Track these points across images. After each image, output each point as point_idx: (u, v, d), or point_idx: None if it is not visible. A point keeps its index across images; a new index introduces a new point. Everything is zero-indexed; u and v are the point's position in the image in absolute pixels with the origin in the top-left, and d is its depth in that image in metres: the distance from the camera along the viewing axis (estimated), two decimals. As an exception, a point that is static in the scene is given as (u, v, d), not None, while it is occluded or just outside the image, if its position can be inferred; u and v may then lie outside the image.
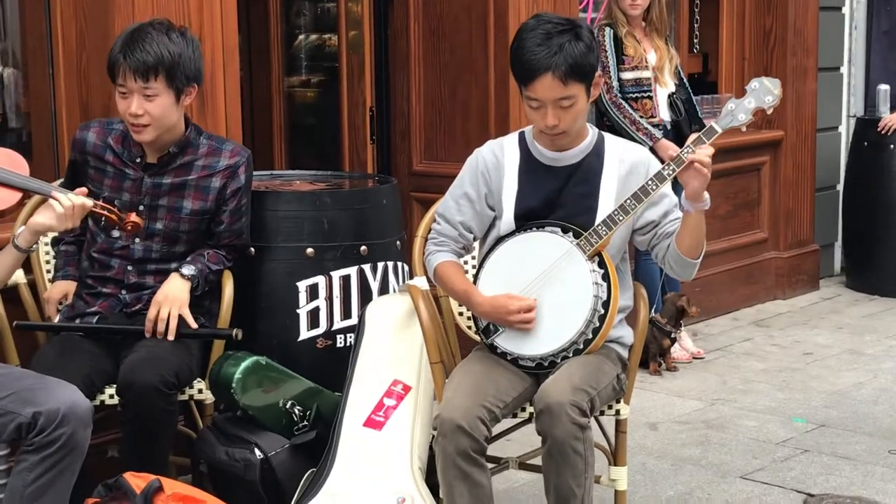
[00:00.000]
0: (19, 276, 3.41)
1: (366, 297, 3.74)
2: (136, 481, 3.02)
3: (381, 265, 3.80)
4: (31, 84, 4.03)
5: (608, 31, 5.23)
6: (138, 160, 3.44)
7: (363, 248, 3.75)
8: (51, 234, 3.47)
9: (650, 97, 5.24)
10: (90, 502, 3.05)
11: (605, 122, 5.25)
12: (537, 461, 3.40)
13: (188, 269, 3.40)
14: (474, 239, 3.33)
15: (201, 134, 3.53)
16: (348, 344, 3.69)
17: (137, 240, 3.40)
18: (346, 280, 3.72)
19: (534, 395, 3.12)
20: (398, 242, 3.91)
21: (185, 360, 3.32)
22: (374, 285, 3.78)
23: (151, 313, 3.34)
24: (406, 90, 5.49)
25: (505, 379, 3.14)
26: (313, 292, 3.69)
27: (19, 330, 3.42)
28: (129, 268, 3.43)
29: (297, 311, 3.68)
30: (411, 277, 3.65)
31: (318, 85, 6.43)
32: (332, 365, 3.65)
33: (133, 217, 3.16)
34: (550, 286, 3.13)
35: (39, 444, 2.83)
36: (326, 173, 4.34)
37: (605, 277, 3.12)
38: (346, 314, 3.72)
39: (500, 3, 5.13)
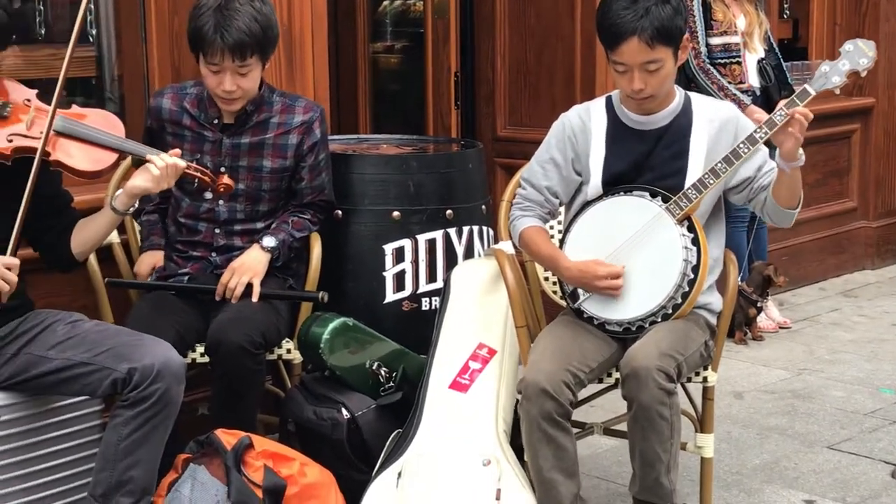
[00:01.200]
0: (113, 236, 3.48)
1: (451, 260, 3.75)
2: (227, 438, 3.07)
3: (466, 229, 3.80)
4: (124, 48, 4.08)
5: (696, -3, 5.15)
6: (215, 121, 3.48)
7: (449, 211, 3.76)
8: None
9: (739, 63, 5.15)
10: (182, 458, 3.11)
11: (692, 87, 5.18)
12: (622, 427, 3.41)
13: (269, 241, 3.44)
14: (560, 204, 3.32)
15: (274, 91, 3.56)
16: (433, 307, 3.71)
17: (221, 202, 3.45)
18: (431, 243, 3.74)
19: (620, 360, 3.11)
20: (483, 207, 3.91)
21: (272, 320, 3.36)
22: (460, 249, 3.79)
23: (224, 278, 3.38)
24: (491, 55, 5.47)
25: (591, 343, 3.13)
26: (399, 255, 3.71)
27: (112, 287, 3.48)
28: (217, 230, 3.48)
29: (384, 273, 3.70)
30: (496, 242, 3.65)
31: (401, 50, 6.43)
32: (416, 327, 3.67)
33: (225, 179, 3.20)
34: (638, 251, 3.11)
35: (134, 399, 2.89)
36: (412, 137, 4.35)
37: (695, 242, 3.09)
38: (432, 277, 3.74)
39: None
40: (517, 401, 3.19)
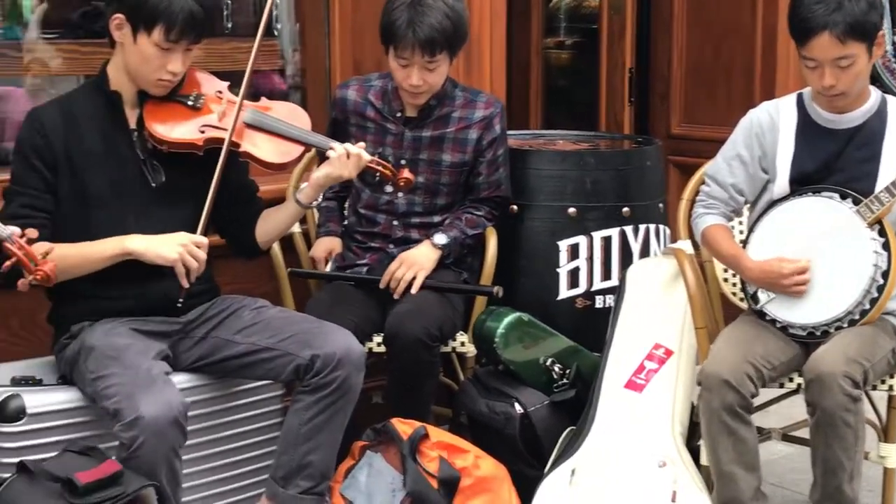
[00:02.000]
0: (294, 227, 3.55)
1: (626, 258, 3.72)
2: (403, 427, 3.11)
3: (642, 227, 3.76)
4: (308, 41, 4.17)
5: (884, -9, 4.99)
6: (398, 114, 3.52)
7: (625, 209, 3.73)
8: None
9: (927, 62, 4.98)
10: (358, 445, 3.17)
11: (876, 86, 5.01)
12: (799, 433, 3.34)
13: (440, 238, 3.46)
14: (745, 202, 3.26)
15: (456, 86, 3.59)
16: (607, 305, 3.68)
17: (401, 194, 3.49)
18: (607, 241, 3.71)
19: (802, 364, 3.03)
20: (661, 205, 3.86)
21: (448, 313, 3.39)
22: (636, 247, 3.75)
23: (392, 267, 3.42)
24: (668, 51, 5.40)
25: (773, 343, 3.07)
26: (574, 252, 3.69)
27: (294, 277, 3.56)
28: (395, 222, 3.53)
29: (558, 270, 3.69)
30: (673, 241, 3.61)
31: (573, 46, 6.41)
32: (590, 325, 3.65)
33: (406, 173, 3.23)
34: (826, 253, 3.03)
35: (316, 385, 2.95)
36: (588, 133, 4.32)
37: (886, 247, 3.00)
38: (607, 275, 3.71)
39: (770, -40, 4.97)
40: (692, 403, 3.15)
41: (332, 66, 4.09)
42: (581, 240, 3.69)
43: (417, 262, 3.43)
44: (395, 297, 3.40)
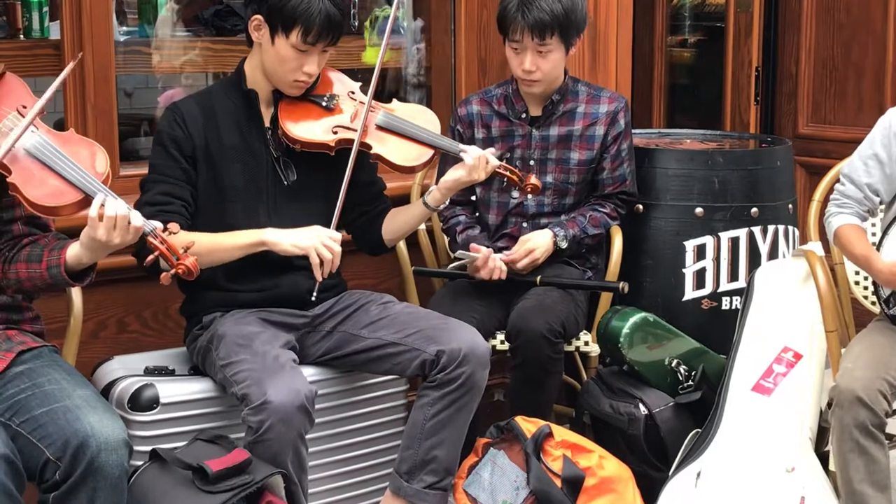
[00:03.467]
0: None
1: (754, 260, 3.66)
2: (527, 425, 3.11)
3: (771, 228, 3.70)
4: (434, 40, 4.19)
5: None
6: (524, 115, 3.52)
7: (754, 209, 3.67)
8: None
9: None
10: (482, 441, 3.17)
11: None
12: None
13: (562, 232, 3.45)
14: (880, 203, 3.18)
15: (578, 82, 3.58)
16: (734, 307, 3.63)
17: (530, 196, 3.48)
18: (734, 242, 3.65)
19: (938, 371, 2.96)
20: (790, 206, 3.79)
21: (572, 311, 3.37)
22: (764, 248, 3.69)
23: (519, 255, 3.40)
24: (795, 50, 5.30)
25: (907, 353, 2.99)
26: (700, 252, 3.65)
27: (417, 276, 3.59)
28: (525, 224, 3.53)
29: (683, 270, 3.65)
30: (803, 242, 3.54)
31: (696, 44, 6.32)
32: (715, 326, 3.60)
33: (532, 179, 3.22)
34: (965, 257, 2.95)
35: (441, 380, 2.96)
36: (715, 133, 4.27)
37: None
38: (734, 276, 3.65)
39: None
40: (820, 409, 3.09)
41: (458, 64, 4.11)
42: (708, 240, 3.64)
43: (541, 249, 3.42)
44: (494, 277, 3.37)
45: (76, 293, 2.92)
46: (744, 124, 5.41)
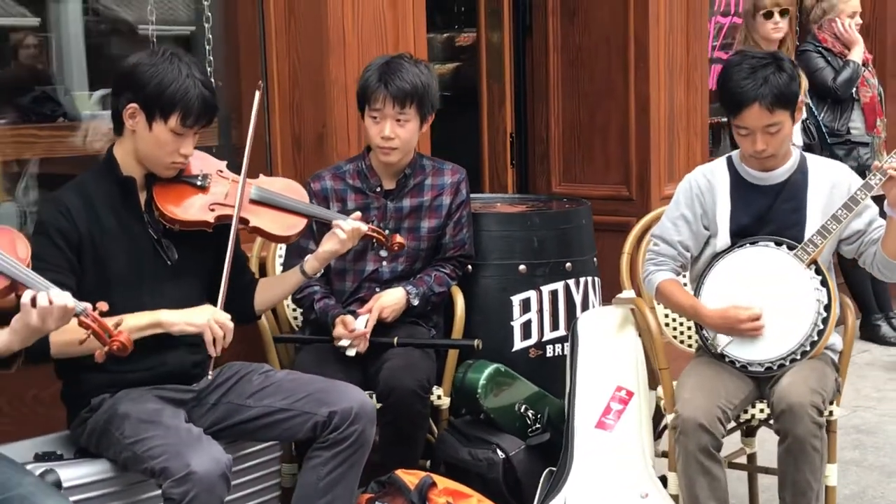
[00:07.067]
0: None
1: (570, 309, 4.03)
2: (409, 478, 3.31)
3: (582, 280, 4.09)
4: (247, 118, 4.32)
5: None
6: (378, 189, 3.76)
7: (568, 264, 4.05)
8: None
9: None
10: (364, 497, 3.33)
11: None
12: (740, 460, 3.70)
13: (412, 289, 3.71)
14: (690, 257, 3.61)
15: (423, 157, 3.85)
16: (556, 353, 3.98)
17: (384, 263, 3.70)
18: (554, 294, 4.02)
19: (755, 398, 3.43)
20: (594, 259, 4.20)
21: (431, 367, 3.62)
22: (578, 298, 4.07)
23: (371, 305, 3.62)
24: (545, 116, 5.79)
25: (732, 383, 3.42)
26: (526, 305, 3.98)
27: (277, 343, 3.73)
28: (378, 289, 3.74)
29: (511, 323, 3.97)
30: (606, 292, 3.93)
31: (448, 113, 6.69)
32: (543, 373, 3.93)
33: (398, 238, 3.46)
34: (773, 296, 3.41)
35: (334, 440, 3.10)
36: (519, 196, 4.65)
37: (824, 283, 3.41)
38: (555, 326, 4.01)
39: (641, 35, 5.44)
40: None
41: (273, 142, 4.27)
42: (532, 294, 3.98)
43: (389, 305, 3.65)
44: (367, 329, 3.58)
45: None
46: (502, 186, 5.85)
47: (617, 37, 5.51)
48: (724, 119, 5.75)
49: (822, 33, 5.97)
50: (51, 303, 2.47)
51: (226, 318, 3.04)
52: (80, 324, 2.52)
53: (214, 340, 3.02)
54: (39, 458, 3.00)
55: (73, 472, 2.94)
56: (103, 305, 2.55)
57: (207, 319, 3.01)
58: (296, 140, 4.28)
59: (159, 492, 2.96)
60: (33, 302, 2.46)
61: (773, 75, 3.35)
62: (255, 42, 4.29)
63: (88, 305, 2.53)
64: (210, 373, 3.08)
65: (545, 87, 5.78)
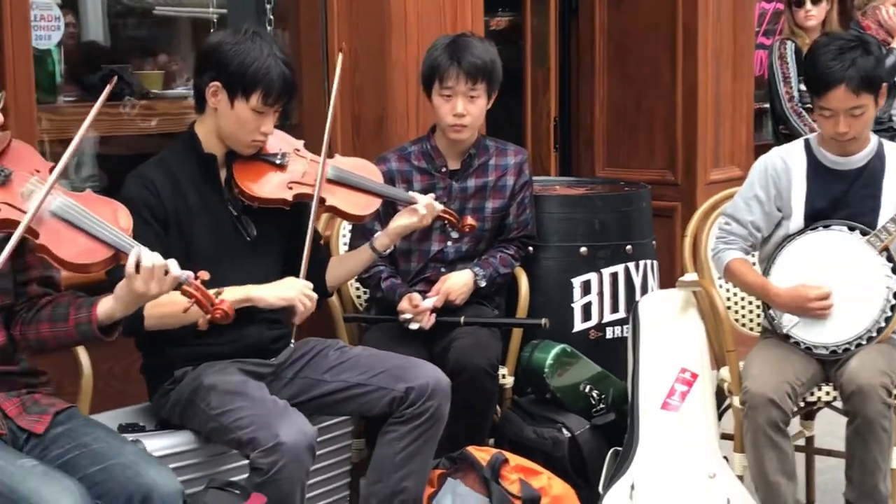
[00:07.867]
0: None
1: (630, 292, 4.07)
2: (480, 454, 3.35)
3: (642, 263, 4.12)
4: (308, 97, 4.36)
5: (789, 45, 5.54)
6: (444, 169, 3.79)
7: (628, 247, 4.08)
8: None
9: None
10: (436, 472, 3.37)
11: (781, 129, 5.56)
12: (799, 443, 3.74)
13: (481, 271, 3.74)
14: (761, 238, 3.64)
15: (485, 137, 3.88)
16: (616, 335, 4.02)
17: (450, 243, 3.74)
18: (614, 277, 4.05)
19: (820, 380, 3.47)
20: (653, 242, 4.24)
21: (498, 346, 3.65)
22: (637, 281, 4.10)
23: (439, 286, 3.66)
24: (590, 101, 5.82)
25: (799, 363, 3.45)
26: (586, 288, 4.02)
27: (346, 322, 3.78)
28: (443, 269, 3.77)
29: (572, 304, 4.00)
30: (665, 275, 3.97)
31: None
32: (603, 354, 3.96)
33: (469, 220, 3.50)
34: (843, 280, 3.44)
35: (410, 415, 3.15)
36: (576, 179, 4.73)
37: (894, 271, 3.44)
38: (615, 308, 4.04)
39: (689, 22, 5.46)
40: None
41: (332, 125, 4.27)
42: (592, 276, 4.02)
43: (456, 287, 3.68)
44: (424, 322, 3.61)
45: (83, 353, 2.92)
46: (545, 171, 5.87)
47: (665, 23, 5.54)
48: (767, 105, 5.86)
49: (866, 20, 5.98)
50: (154, 268, 2.51)
51: (311, 291, 3.08)
52: (184, 292, 2.56)
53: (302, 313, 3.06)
54: (123, 429, 3.05)
55: (158, 443, 2.99)
56: (204, 274, 2.59)
57: (297, 293, 3.06)
58: (356, 123, 4.31)
59: (240, 463, 3.03)
60: (137, 268, 2.50)
61: (861, 58, 3.38)
62: (317, 25, 4.31)
63: (191, 274, 2.57)
64: (293, 342, 3.12)
65: (591, 71, 5.82)
